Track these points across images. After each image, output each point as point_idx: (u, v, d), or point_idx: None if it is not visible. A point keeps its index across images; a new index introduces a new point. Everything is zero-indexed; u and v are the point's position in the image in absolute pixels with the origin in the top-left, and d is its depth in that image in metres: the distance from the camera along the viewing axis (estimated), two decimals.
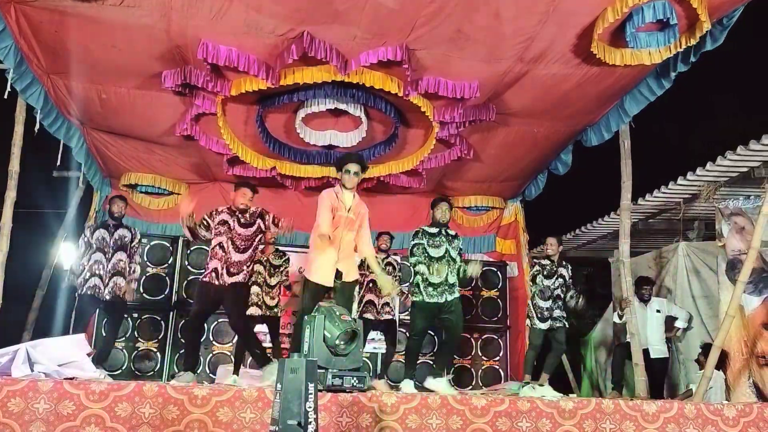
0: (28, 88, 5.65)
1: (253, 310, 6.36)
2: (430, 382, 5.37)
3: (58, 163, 6.77)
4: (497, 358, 8.27)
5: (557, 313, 6.51)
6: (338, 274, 4.99)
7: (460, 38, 5.13)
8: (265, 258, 6.58)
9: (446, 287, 5.51)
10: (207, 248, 7.81)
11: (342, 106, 6.23)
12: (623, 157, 6.13)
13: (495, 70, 5.59)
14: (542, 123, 6.64)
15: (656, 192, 7.18)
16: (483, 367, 8.21)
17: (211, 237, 5.37)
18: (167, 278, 7.71)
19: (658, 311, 7.24)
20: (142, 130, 6.93)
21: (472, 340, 8.20)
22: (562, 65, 5.47)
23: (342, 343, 4.04)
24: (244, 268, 5.35)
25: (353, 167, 5.08)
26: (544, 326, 6.47)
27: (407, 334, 6.48)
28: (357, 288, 6.33)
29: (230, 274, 5.27)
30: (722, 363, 6.07)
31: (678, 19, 4.71)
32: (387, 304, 6.87)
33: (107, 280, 6.03)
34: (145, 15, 4.90)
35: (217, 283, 5.24)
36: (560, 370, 8.57)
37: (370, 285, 6.81)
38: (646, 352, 6.57)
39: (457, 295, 5.58)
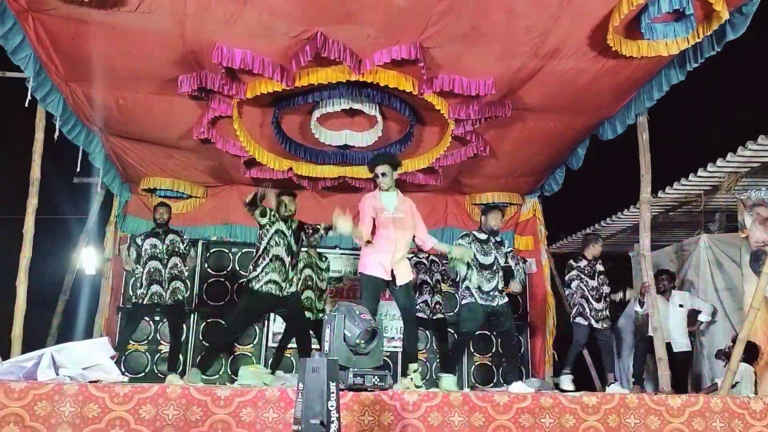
0: (47, 96, 5.72)
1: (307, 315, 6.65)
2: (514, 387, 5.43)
3: (78, 169, 6.85)
4: (518, 354, 8.22)
5: (604, 313, 6.56)
6: (393, 278, 5.07)
7: (473, 35, 5.11)
8: (314, 261, 6.77)
9: (497, 292, 5.64)
10: (226, 250, 7.95)
11: (357, 106, 6.23)
12: (642, 150, 6.06)
13: (510, 67, 5.56)
14: (558, 118, 6.59)
15: (676, 184, 7.10)
16: (504, 364, 8.16)
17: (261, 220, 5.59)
18: (187, 281, 7.76)
19: (680, 306, 7.17)
20: (159, 134, 6.99)
21: (492, 337, 8.16)
22: (577, 59, 5.41)
23: (363, 342, 4.04)
24: (297, 276, 5.78)
25: (380, 169, 5.16)
26: (598, 326, 6.60)
27: (456, 333, 6.67)
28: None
29: (290, 284, 5.62)
30: (753, 357, 6.00)
31: (694, 8, 4.65)
32: (439, 303, 6.94)
33: (167, 285, 6.16)
34: (159, 21, 4.93)
35: (279, 294, 5.48)
36: (582, 365, 8.52)
37: (423, 286, 6.88)
38: (668, 346, 6.50)
39: (506, 299, 5.72)
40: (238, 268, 7.92)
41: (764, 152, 6.08)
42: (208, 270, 7.88)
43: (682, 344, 7.04)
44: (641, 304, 6.83)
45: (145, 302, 6.21)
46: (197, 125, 6.53)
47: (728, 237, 7.39)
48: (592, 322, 6.73)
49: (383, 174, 5.15)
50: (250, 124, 6.64)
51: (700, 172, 6.69)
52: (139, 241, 6.42)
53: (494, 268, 5.67)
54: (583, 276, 6.86)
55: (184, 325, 7.57)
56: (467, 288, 5.65)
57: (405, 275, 5.16)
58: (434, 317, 6.94)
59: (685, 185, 7.05)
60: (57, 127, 6.01)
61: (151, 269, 6.23)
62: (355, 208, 8.51)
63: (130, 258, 6.48)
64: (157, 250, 6.28)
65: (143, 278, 6.29)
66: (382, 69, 5.53)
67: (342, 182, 7.76)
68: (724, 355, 6.40)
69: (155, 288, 6.17)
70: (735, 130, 6.77)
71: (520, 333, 8.28)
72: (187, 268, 6.60)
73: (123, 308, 7.65)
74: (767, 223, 6.12)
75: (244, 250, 7.99)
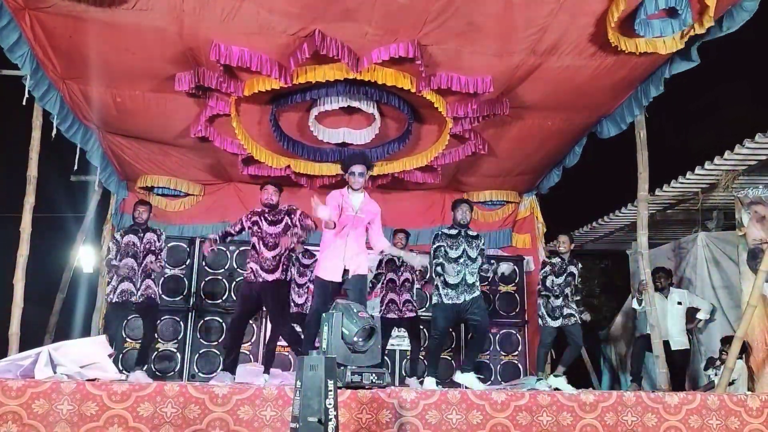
0: (45, 94, 5.72)
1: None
2: (458, 377, 5.53)
3: (75, 167, 6.84)
4: (516, 353, 8.24)
5: (567, 311, 6.46)
6: (346, 272, 5.06)
7: (471, 31, 5.10)
8: (295, 256, 6.68)
9: (465, 287, 5.61)
10: (224, 248, 7.95)
11: (355, 104, 6.23)
12: (639, 148, 6.07)
13: (508, 64, 5.56)
14: (556, 116, 6.60)
15: (674, 182, 7.11)
16: (502, 362, 8.18)
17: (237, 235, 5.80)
18: (185, 279, 7.75)
19: (679, 303, 7.18)
20: (157, 132, 6.98)
21: (490, 335, 8.16)
22: (575, 56, 5.42)
23: (360, 339, 4.04)
24: (280, 264, 5.63)
25: (357, 168, 5.13)
26: (555, 324, 6.46)
27: (428, 332, 6.62)
28: (370, 285, 6.69)
29: (266, 271, 5.58)
30: (743, 354, 6.01)
31: (691, 6, 4.65)
32: (408, 301, 6.87)
33: (139, 284, 6.13)
34: (157, 18, 4.93)
35: (256, 280, 5.58)
36: (580, 363, 8.53)
37: (390, 284, 6.82)
38: (666, 344, 6.51)
39: (476, 293, 5.66)
40: (235, 266, 7.91)
41: (761, 150, 6.08)
42: (206, 268, 7.86)
43: (679, 342, 7.04)
44: (639, 301, 6.83)
45: (114, 300, 6.07)
46: (195, 123, 6.52)
47: (725, 235, 7.41)
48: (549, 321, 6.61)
49: (360, 173, 5.11)
50: (248, 121, 6.63)
51: (698, 170, 6.70)
52: (117, 237, 6.37)
53: (461, 260, 5.69)
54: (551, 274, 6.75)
55: (181, 323, 7.57)
56: (436, 287, 5.72)
57: (357, 268, 5.10)
58: (405, 316, 6.85)
59: (682, 183, 7.05)
60: (54, 125, 5.99)
61: (127, 266, 6.20)
62: None
63: (110, 254, 6.38)
64: (135, 248, 6.25)
65: (115, 275, 6.15)
66: (380, 67, 5.53)
67: (340, 180, 7.75)
68: (720, 361, 6.44)
69: (126, 285, 6.10)
70: (732, 126, 6.79)
71: (517, 331, 8.31)
72: (159, 265, 6.51)
73: None
74: (764, 221, 6.13)
75: (241, 248, 7.97)
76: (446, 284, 5.62)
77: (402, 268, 6.93)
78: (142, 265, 6.19)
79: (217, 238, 5.74)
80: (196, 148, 7.22)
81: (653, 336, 5.88)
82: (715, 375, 6.38)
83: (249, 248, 5.80)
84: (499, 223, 8.94)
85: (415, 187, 8.31)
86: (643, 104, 6.02)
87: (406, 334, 7.19)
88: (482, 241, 5.87)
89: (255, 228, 5.70)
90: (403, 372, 7.60)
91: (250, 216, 5.75)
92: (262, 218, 5.70)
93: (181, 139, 7.00)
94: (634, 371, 7.30)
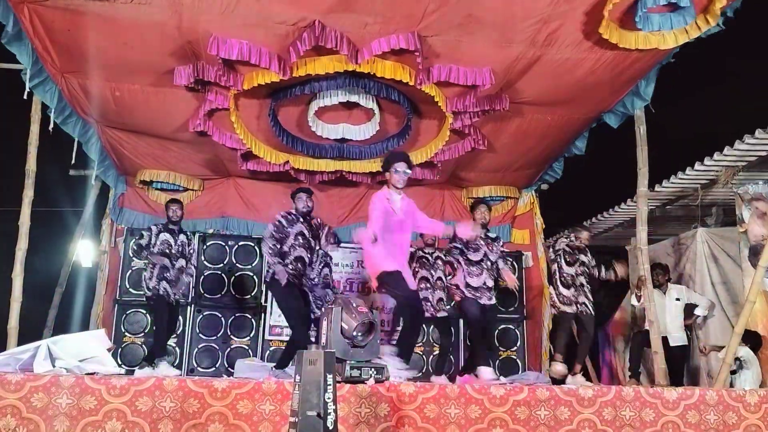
0: (43, 88, 5.70)
1: None
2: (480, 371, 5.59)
3: (73, 161, 6.82)
4: (514, 348, 8.25)
5: (582, 299, 6.44)
6: None
7: (471, 22, 5.07)
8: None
9: (486, 291, 5.72)
10: (223, 243, 7.94)
11: (354, 98, 6.20)
12: (639, 143, 6.06)
13: (507, 56, 5.52)
14: (556, 111, 6.58)
15: (673, 178, 7.11)
16: (500, 357, 8.19)
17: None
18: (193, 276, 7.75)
19: (677, 299, 7.19)
20: (156, 126, 6.96)
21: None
22: (574, 49, 5.38)
23: (359, 334, 4.04)
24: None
25: (402, 166, 4.98)
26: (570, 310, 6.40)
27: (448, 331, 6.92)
28: None
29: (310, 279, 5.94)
30: (758, 345, 6.04)
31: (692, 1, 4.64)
32: (441, 299, 6.88)
33: (173, 286, 6.26)
34: (156, 12, 4.91)
35: (299, 282, 5.79)
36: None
37: (423, 282, 6.85)
38: (664, 340, 6.52)
39: (493, 301, 5.87)
40: (234, 261, 7.92)
41: (761, 146, 6.09)
42: (205, 263, 7.87)
43: (678, 338, 7.06)
44: (638, 297, 6.83)
45: (160, 293, 6.27)
46: (194, 117, 6.50)
47: (724, 231, 7.42)
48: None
49: (404, 171, 4.95)
50: (247, 116, 6.61)
51: (697, 166, 6.70)
52: (154, 229, 6.45)
53: (483, 264, 5.71)
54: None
55: (181, 318, 7.58)
56: (456, 286, 5.76)
57: (413, 281, 5.10)
58: (438, 315, 6.84)
59: (682, 179, 7.06)
60: (51, 118, 5.97)
61: (163, 266, 6.30)
62: (350, 202, 8.58)
63: (139, 245, 6.46)
64: (169, 248, 6.35)
65: (155, 271, 6.31)
66: (380, 59, 5.50)
67: (339, 176, 7.75)
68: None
69: (164, 285, 6.25)
70: (732, 122, 6.78)
71: (516, 327, 8.32)
72: (190, 275, 6.79)
73: (120, 300, 7.64)
74: (765, 217, 6.13)
75: (241, 243, 7.98)
76: (468, 286, 5.68)
77: (435, 265, 6.95)
78: (176, 267, 6.35)
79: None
80: (195, 142, 7.20)
81: (652, 332, 5.88)
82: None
83: (276, 247, 5.72)
84: (499, 218, 8.94)
85: (414, 183, 8.27)
86: (644, 99, 6.01)
87: None
88: (501, 243, 5.92)
89: (302, 240, 5.79)
90: (430, 368, 7.64)
91: (290, 223, 5.77)
92: (309, 231, 5.83)
93: (180, 134, 6.98)
94: (632, 367, 7.31)
